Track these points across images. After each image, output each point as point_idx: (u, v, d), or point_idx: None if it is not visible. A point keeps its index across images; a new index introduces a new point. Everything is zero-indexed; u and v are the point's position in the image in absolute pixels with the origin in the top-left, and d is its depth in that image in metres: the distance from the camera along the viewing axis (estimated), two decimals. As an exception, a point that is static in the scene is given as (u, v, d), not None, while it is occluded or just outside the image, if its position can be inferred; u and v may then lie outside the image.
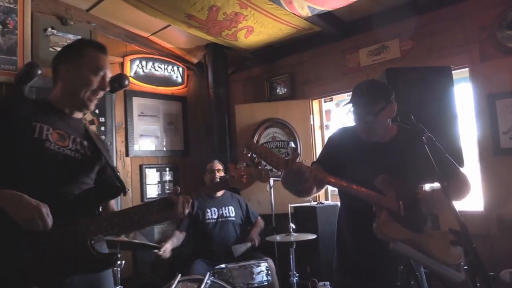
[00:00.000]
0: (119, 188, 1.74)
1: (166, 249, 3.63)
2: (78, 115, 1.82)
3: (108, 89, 1.83)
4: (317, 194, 2.22)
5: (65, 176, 1.65)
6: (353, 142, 2.13)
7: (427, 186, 2.09)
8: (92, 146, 1.79)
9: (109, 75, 1.84)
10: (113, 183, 1.80)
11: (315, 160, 2.30)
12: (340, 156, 2.09)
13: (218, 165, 4.21)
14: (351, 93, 2.12)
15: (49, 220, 1.43)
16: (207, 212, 3.97)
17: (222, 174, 4.10)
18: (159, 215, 1.74)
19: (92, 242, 1.56)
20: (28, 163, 1.59)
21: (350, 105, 2.07)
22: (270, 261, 3.69)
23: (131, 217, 1.65)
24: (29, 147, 1.59)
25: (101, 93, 1.81)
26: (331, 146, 2.24)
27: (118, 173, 1.86)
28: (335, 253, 2.25)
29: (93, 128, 4.04)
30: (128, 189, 1.70)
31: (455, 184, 2.03)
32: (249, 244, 3.84)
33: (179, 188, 1.80)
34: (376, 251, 1.87)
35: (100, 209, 1.62)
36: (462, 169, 2.14)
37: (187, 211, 1.76)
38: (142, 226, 1.85)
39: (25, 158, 1.59)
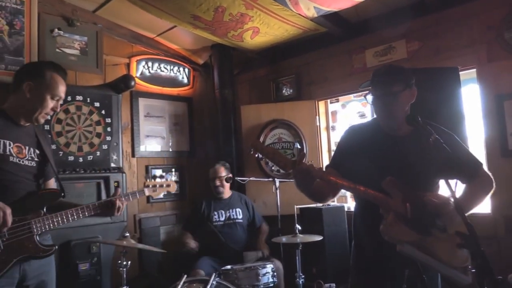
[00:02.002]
0: (59, 193, 2.21)
1: (193, 244, 3.83)
2: (28, 123, 2.19)
3: (58, 110, 2.22)
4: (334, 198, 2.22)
5: (26, 181, 2.11)
6: (365, 136, 2.10)
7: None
8: (41, 153, 2.22)
9: (63, 98, 2.21)
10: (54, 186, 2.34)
11: (322, 161, 2.28)
12: (353, 153, 2.06)
13: (221, 171, 4.13)
14: (357, 93, 2.11)
15: (10, 220, 1.89)
16: (214, 215, 3.97)
17: (226, 184, 4.09)
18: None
19: (38, 235, 2.04)
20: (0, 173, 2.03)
21: (369, 89, 2.04)
22: (278, 262, 3.68)
23: (68, 218, 2.14)
24: None
25: (51, 113, 2.20)
26: (341, 146, 2.21)
27: (56, 175, 2.35)
28: (352, 251, 2.23)
29: (99, 129, 4.05)
30: (65, 194, 2.27)
31: (477, 184, 2.01)
32: (260, 254, 3.82)
33: (119, 189, 2.41)
34: (393, 250, 1.84)
35: (45, 209, 2.10)
36: (484, 166, 2.08)
37: (118, 213, 2.30)
38: (78, 219, 2.23)
39: None
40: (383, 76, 2.00)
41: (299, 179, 1.91)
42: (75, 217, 2.16)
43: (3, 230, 1.90)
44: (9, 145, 2.07)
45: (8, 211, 1.89)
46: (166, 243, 4.74)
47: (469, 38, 3.55)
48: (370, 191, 1.88)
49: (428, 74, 3.16)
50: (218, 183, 4.04)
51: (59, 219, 2.11)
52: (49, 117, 2.26)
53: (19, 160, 2.09)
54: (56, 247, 2.15)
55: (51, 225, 2.08)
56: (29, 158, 2.15)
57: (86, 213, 2.20)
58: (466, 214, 1.90)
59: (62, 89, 2.16)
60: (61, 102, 2.20)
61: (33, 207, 2.07)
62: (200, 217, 3.99)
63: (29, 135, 2.21)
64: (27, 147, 2.15)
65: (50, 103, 2.13)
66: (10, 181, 2.04)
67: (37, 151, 2.20)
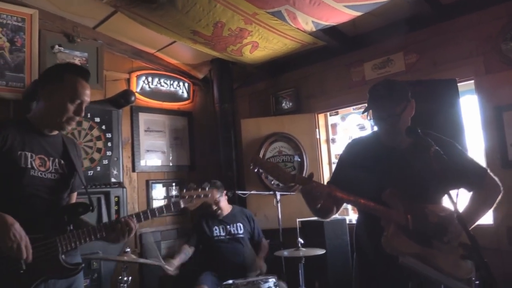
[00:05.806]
0: (88, 206, 2.03)
1: (174, 265, 3.64)
2: (55, 132, 2.06)
3: (82, 115, 2.01)
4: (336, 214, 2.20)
5: (47, 196, 1.94)
6: (366, 150, 2.10)
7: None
8: (68, 163, 2.06)
9: (87, 101, 2.02)
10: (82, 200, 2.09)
11: (322, 174, 2.28)
12: (355, 166, 2.06)
13: (214, 194, 3.96)
14: (357, 106, 2.11)
15: (24, 253, 1.71)
16: (215, 230, 3.92)
17: (223, 203, 4.00)
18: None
19: (63, 255, 1.88)
20: (18, 188, 1.86)
21: (370, 110, 2.02)
22: (283, 284, 3.61)
23: (95, 235, 1.95)
24: (17, 175, 1.86)
25: (77, 119, 2.01)
26: (343, 160, 2.21)
27: (85, 188, 2.16)
28: (354, 263, 2.21)
29: (99, 144, 4.06)
30: (94, 207, 2.15)
31: (483, 192, 2.00)
32: (258, 271, 3.73)
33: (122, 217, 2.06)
34: (395, 263, 1.83)
35: (72, 226, 1.94)
36: (489, 172, 2.05)
37: (127, 236, 1.99)
38: (106, 240, 2.05)
39: (16, 184, 1.86)
40: (385, 99, 1.98)
41: (305, 199, 1.92)
42: (103, 232, 1.97)
43: (26, 260, 1.73)
44: (31, 157, 1.91)
45: (25, 241, 1.72)
46: (167, 258, 4.69)
47: (467, 50, 3.58)
48: (371, 204, 1.88)
49: (426, 86, 3.17)
50: (214, 207, 3.97)
51: (86, 235, 1.93)
52: (74, 124, 2.04)
53: (41, 174, 1.93)
54: (83, 265, 1.99)
55: (78, 242, 1.91)
56: (52, 171, 1.98)
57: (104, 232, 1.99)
58: (474, 224, 1.90)
59: (82, 92, 1.98)
60: (85, 104, 2.01)
61: (58, 223, 1.91)
62: (202, 233, 3.95)
63: (55, 145, 2.05)
64: (51, 159, 1.99)
65: (71, 108, 1.95)
66: (28, 197, 1.88)
67: (63, 162, 2.04)
